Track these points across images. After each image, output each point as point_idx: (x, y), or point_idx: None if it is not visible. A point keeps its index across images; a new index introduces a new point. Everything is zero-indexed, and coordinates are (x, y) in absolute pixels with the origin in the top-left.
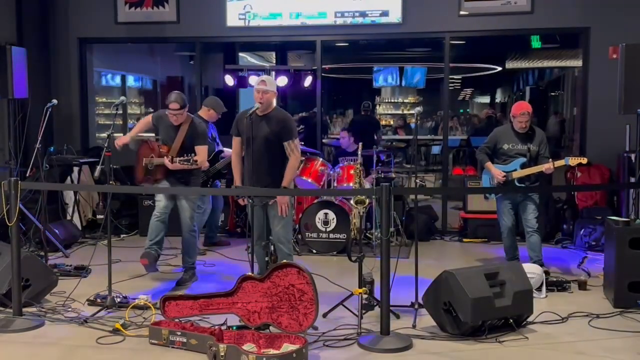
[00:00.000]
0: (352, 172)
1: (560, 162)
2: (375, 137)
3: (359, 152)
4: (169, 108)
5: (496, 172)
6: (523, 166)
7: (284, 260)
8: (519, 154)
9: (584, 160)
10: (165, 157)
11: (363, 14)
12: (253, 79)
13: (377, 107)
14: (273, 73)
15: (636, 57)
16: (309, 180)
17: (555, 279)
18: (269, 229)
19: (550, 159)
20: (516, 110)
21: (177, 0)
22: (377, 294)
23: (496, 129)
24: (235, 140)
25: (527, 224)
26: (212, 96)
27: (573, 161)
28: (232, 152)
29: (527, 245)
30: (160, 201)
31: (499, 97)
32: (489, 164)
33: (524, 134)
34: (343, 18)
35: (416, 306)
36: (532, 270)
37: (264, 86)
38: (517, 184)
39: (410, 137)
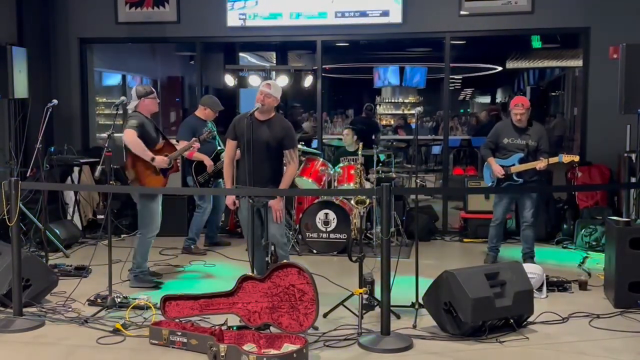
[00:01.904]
0: (352, 172)
1: (554, 159)
2: (374, 139)
3: (359, 153)
4: (154, 96)
5: (496, 168)
6: (521, 161)
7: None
8: (519, 149)
9: (576, 158)
10: (191, 145)
11: (363, 14)
12: (253, 79)
13: (378, 107)
14: (273, 73)
15: (636, 57)
16: (310, 180)
17: (556, 279)
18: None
19: (547, 155)
20: (512, 103)
21: (177, 0)
22: (377, 294)
23: (497, 124)
24: (230, 144)
25: (523, 218)
26: (208, 95)
27: (566, 158)
28: (225, 155)
29: (521, 238)
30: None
31: (499, 97)
32: (490, 159)
33: (523, 129)
34: (343, 18)
35: (416, 306)
36: (533, 271)
37: (268, 89)
38: (515, 178)
39: (411, 137)
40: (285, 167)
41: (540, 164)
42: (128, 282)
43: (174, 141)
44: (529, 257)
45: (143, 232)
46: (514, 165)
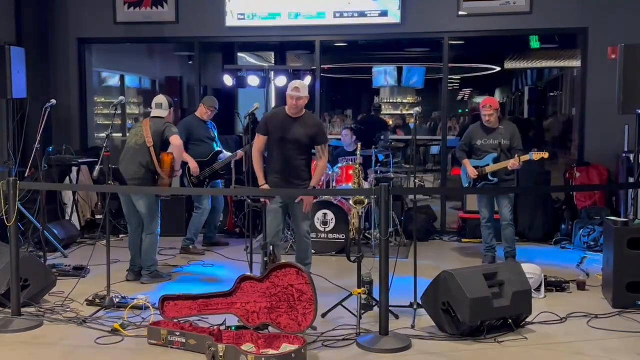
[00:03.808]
0: (351, 172)
1: (525, 157)
2: (382, 138)
3: (358, 153)
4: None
5: (470, 170)
6: (495, 161)
7: (308, 248)
8: (492, 149)
9: (546, 155)
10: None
11: (362, 14)
12: (252, 79)
13: None
14: (272, 73)
15: (635, 58)
16: None
17: (554, 279)
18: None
19: (521, 152)
20: (481, 105)
21: (176, 1)
22: (376, 294)
23: (470, 126)
24: (261, 138)
25: (501, 217)
26: (209, 95)
27: (537, 156)
28: (254, 149)
29: (502, 237)
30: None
31: (498, 98)
32: (465, 161)
33: (494, 129)
34: (342, 18)
35: (415, 306)
36: (531, 271)
37: (298, 93)
38: (490, 178)
39: (409, 137)
40: (316, 162)
41: (512, 162)
42: (127, 282)
43: None
44: (510, 256)
45: (155, 231)
46: (488, 165)
